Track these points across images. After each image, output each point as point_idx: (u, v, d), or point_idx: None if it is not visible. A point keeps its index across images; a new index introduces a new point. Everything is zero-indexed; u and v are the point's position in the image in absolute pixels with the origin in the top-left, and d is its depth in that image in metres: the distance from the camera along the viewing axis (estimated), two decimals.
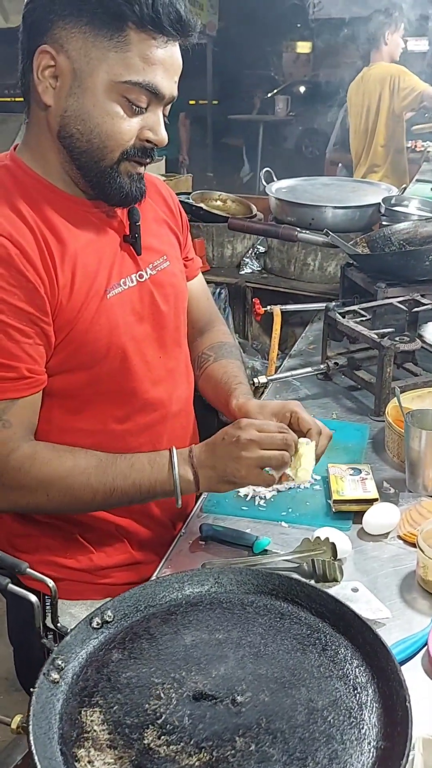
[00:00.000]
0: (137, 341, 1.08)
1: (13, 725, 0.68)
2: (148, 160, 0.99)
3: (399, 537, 1.21)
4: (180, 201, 2.80)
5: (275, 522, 1.28)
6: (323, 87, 6.38)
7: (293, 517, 1.29)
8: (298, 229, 2.10)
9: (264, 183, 2.65)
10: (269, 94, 8.36)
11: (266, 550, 1.17)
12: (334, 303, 1.78)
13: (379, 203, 2.39)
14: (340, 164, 4.32)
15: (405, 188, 2.93)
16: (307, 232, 2.14)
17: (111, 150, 0.95)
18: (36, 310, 0.95)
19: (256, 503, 1.34)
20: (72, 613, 1.13)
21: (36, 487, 0.98)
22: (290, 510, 1.31)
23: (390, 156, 3.69)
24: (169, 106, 1.01)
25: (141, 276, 1.09)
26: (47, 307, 0.96)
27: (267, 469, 1.00)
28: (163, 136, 0.97)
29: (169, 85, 0.96)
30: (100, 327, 1.01)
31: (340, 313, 1.72)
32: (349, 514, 1.28)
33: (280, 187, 2.67)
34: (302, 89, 8.45)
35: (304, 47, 8.91)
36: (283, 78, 8.87)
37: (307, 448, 1.06)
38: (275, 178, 2.69)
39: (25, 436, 0.99)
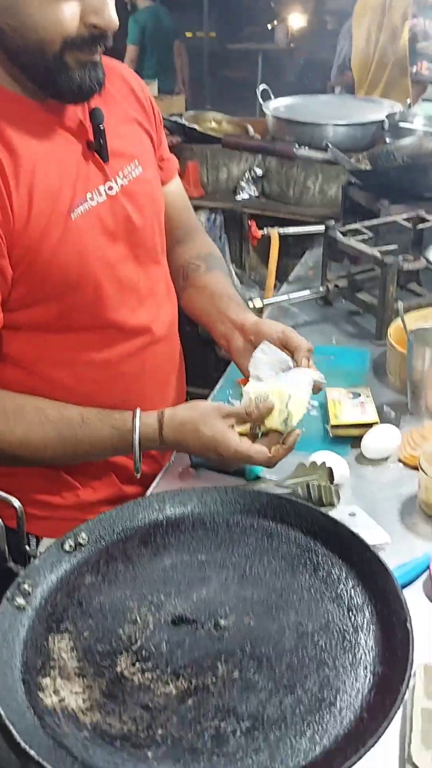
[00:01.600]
0: (111, 265, 0.96)
1: None
2: (100, 49, 0.85)
3: (399, 460, 1.14)
4: (173, 121, 2.63)
5: None
6: (325, 15, 6.02)
7: None
8: (297, 145, 1.98)
9: (260, 101, 2.50)
10: (269, 26, 7.97)
11: (259, 477, 1.10)
12: (334, 221, 1.67)
13: (383, 120, 2.25)
14: (338, 87, 4.09)
15: (410, 104, 2.77)
16: (306, 148, 2.01)
17: (50, 41, 0.81)
18: None
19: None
20: None
21: None
22: None
23: (395, 76, 3.49)
24: None
25: (110, 188, 0.95)
26: (1, 246, 0.83)
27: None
28: (110, 18, 0.83)
29: None
30: (66, 254, 0.88)
31: (341, 232, 1.61)
32: (348, 439, 1.21)
33: (277, 106, 2.51)
34: (303, 18, 8.03)
35: None
36: (283, 7, 8.44)
37: (296, 400, 0.96)
38: (272, 96, 2.53)
39: None
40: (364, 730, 0.49)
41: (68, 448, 0.89)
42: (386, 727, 0.49)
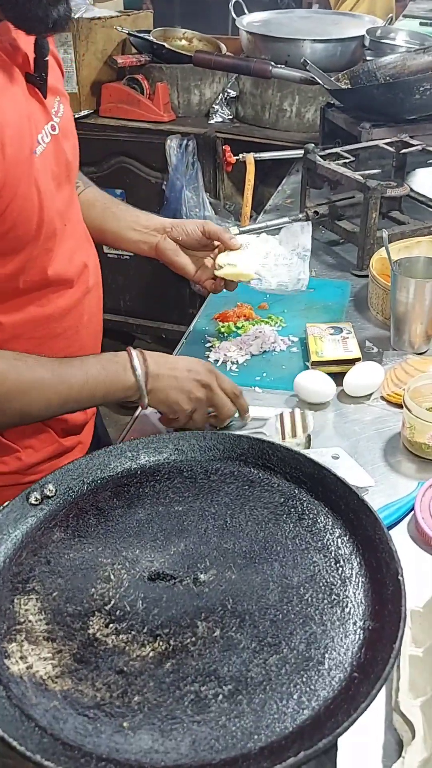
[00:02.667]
0: (61, 213, 0.90)
1: None
2: None
3: (382, 398, 1.10)
4: (140, 38, 2.46)
5: (249, 387, 1.16)
6: None
7: (268, 381, 1.18)
8: (273, 63, 1.85)
9: (234, 16, 2.33)
10: None
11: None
12: (314, 145, 1.58)
13: (363, 35, 2.12)
14: (316, 5, 3.86)
15: (391, 19, 2.61)
16: (283, 67, 1.89)
17: None
18: None
19: (228, 369, 1.22)
20: None
21: None
22: (265, 374, 1.20)
23: None
24: None
25: (53, 128, 0.87)
26: None
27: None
28: None
29: None
30: (31, 201, 0.82)
31: (321, 156, 1.52)
32: (329, 375, 1.17)
33: (251, 21, 2.35)
34: None
35: None
36: None
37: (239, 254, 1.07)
38: (246, 11, 2.36)
39: None
40: (356, 691, 0.46)
41: (63, 386, 0.84)
42: (380, 688, 0.46)
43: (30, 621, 0.54)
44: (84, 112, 2.40)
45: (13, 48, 0.80)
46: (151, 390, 0.85)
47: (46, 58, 0.82)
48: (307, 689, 0.48)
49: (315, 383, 1.04)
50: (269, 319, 1.35)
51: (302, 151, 1.61)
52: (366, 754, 0.60)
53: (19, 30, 0.79)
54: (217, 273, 1.06)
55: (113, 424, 2.97)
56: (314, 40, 2.15)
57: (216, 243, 1.09)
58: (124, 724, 0.46)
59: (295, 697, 0.47)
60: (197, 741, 0.45)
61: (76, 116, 2.35)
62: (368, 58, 2.06)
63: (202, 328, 1.33)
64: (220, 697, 0.48)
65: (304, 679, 0.48)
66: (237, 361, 1.23)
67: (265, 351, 1.27)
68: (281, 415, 1.06)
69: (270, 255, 1.15)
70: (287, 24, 2.36)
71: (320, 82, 1.75)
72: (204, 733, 0.45)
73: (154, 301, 2.60)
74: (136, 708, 0.47)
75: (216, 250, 1.09)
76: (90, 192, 1.11)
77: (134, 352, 0.86)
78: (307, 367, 1.19)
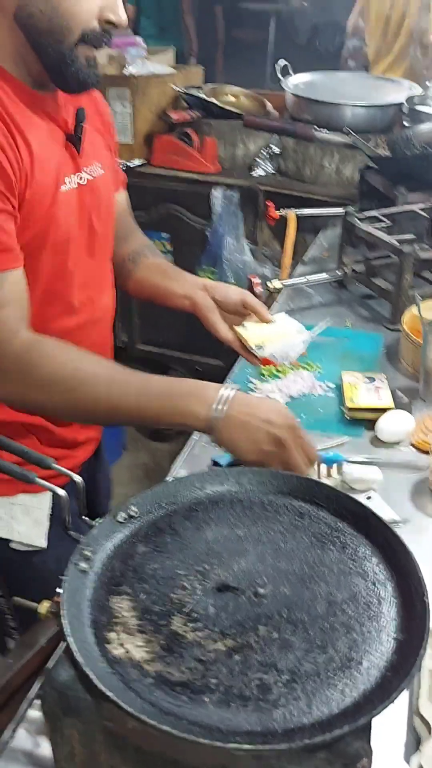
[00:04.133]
0: (75, 243, 1.07)
1: (41, 610, 0.70)
2: (105, 45, 0.97)
3: (412, 444, 1.22)
4: (192, 95, 2.65)
5: None
6: None
7: (307, 422, 1.31)
8: (316, 127, 2.02)
9: (280, 77, 2.52)
10: None
11: None
12: (352, 207, 1.72)
13: (402, 103, 2.28)
14: (352, 62, 4.04)
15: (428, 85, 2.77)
16: (326, 131, 2.05)
17: (72, 30, 0.92)
18: (5, 187, 0.92)
19: None
20: None
21: (40, 382, 0.93)
22: (303, 416, 1.33)
23: (413, 51, 3.47)
24: None
25: (81, 178, 1.07)
26: (14, 188, 0.93)
27: None
28: (123, 16, 0.95)
29: None
30: (57, 216, 1.00)
31: (358, 218, 1.67)
32: (362, 421, 1.29)
33: (296, 83, 2.53)
34: None
35: None
36: None
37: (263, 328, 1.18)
38: (292, 72, 2.55)
39: (23, 318, 0.95)
40: (388, 685, 0.59)
41: (117, 389, 0.95)
42: (407, 684, 0.58)
43: (124, 616, 0.67)
44: (137, 162, 2.59)
45: (56, 114, 1.03)
46: (218, 429, 0.89)
47: (83, 124, 1.04)
48: (349, 682, 0.60)
49: (363, 470, 1.11)
50: (308, 365, 1.49)
51: (341, 210, 1.76)
52: (390, 748, 0.72)
53: (60, 93, 1.01)
54: (235, 327, 1.17)
55: (143, 449, 3.11)
56: (355, 105, 2.32)
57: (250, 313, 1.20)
58: (206, 699, 0.59)
59: (339, 688, 0.60)
60: (263, 715, 0.57)
61: (130, 165, 2.54)
62: (406, 123, 2.22)
63: (245, 369, 1.47)
64: (279, 684, 0.60)
65: (347, 675, 0.61)
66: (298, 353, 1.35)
67: (303, 394, 1.40)
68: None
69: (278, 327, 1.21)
70: (330, 86, 2.55)
71: (360, 148, 1.91)
72: (268, 710, 0.58)
73: (191, 334, 2.77)
74: (213, 688, 0.60)
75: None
76: (154, 260, 1.29)
77: (223, 391, 0.90)
78: (342, 412, 1.32)
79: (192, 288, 1.19)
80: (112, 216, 1.19)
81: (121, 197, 1.31)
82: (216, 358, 2.63)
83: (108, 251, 1.20)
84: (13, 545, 1.14)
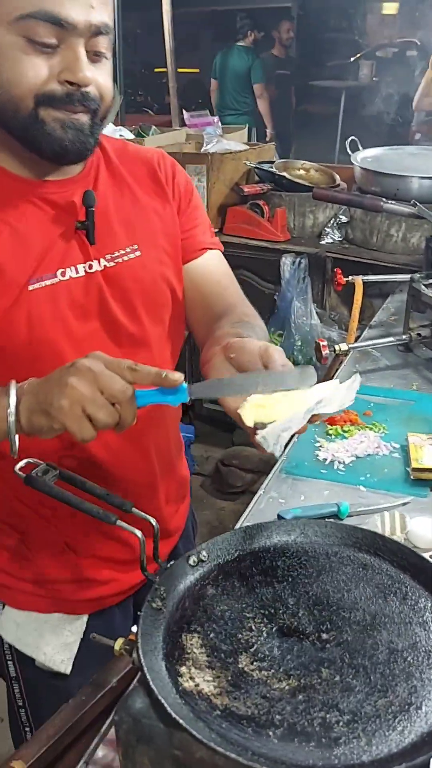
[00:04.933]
0: (77, 340, 0.96)
1: (116, 647, 0.76)
2: (80, 108, 0.87)
3: None
4: (264, 170, 2.80)
5: (354, 486, 1.33)
6: (410, 50, 6.13)
7: (372, 482, 1.34)
8: (384, 199, 2.10)
9: (349, 152, 2.64)
10: (352, 59, 8.09)
11: (350, 515, 1.22)
12: (419, 274, 1.78)
13: None
14: (419, 134, 4.17)
15: None
16: (393, 202, 2.13)
17: (21, 98, 0.84)
18: None
19: (335, 467, 1.39)
20: (18, 623, 1.11)
21: None
22: (369, 475, 1.36)
23: None
24: (104, 39, 0.87)
25: (90, 266, 0.97)
26: None
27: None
28: (81, 75, 0.84)
29: (80, 11, 0.82)
30: (17, 321, 0.92)
31: (425, 285, 1.72)
32: (428, 482, 1.31)
33: (365, 157, 2.65)
34: (388, 52, 8.10)
35: (390, 8, 8.54)
36: (367, 41, 8.54)
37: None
38: (360, 147, 2.67)
39: None
40: None
41: None
42: None
43: (194, 652, 0.71)
44: None
45: (60, 197, 0.95)
46: (21, 407, 0.78)
47: (92, 209, 0.95)
48: (408, 725, 0.62)
49: (427, 529, 1.10)
50: (373, 425, 1.52)
51: (407, 276, 1.82)
52: None
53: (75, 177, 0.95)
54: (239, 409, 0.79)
55: (209, 507, 3.15)
56: (422, 177, 2.40)
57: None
58: (270, 733, 0.62)
59: (398, 729, 0.62)
60: (324, 752, 0.60)
61: None
62: None
63: (311, 428, 1.51)
64: (341, 723, 0.63)
65: (406, 717, 0.63)
66: (344, 461, 1.39)
67: (368, 454, 1.43)
68: (382, 515, 1.20)
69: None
70: (397, 160, 2.65)
71: (427, 218, 1.97)
72: (329, 747, 0.61)
73: None
74: (278, 723, 0.63)
75: None
76: (226, 329, 0.99)
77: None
78: (407, 473, 1.34)
79: (215, 352, 0.89)
80: (155, 301, 1.05)
81: (205, 263, 1.13)
82: None
83: (148, 341, 1.04)
84: (37, 664, 1.11)
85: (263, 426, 0.78)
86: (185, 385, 0.80)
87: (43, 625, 1.11)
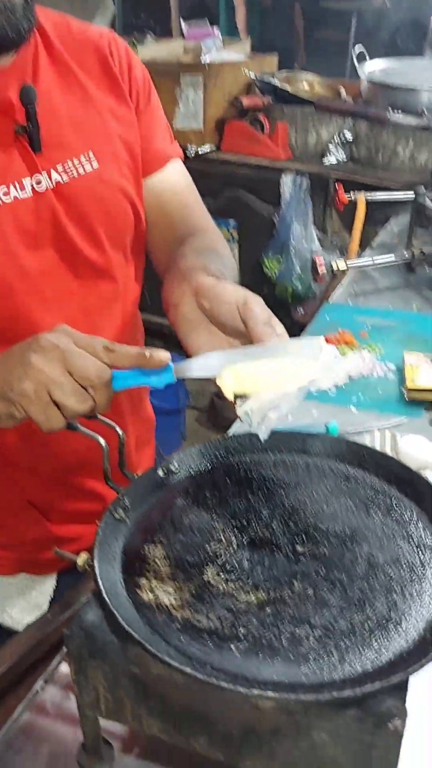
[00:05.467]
0: (28, 274, 0.83)
1: (80, 562, 0.70)
2: None
3: None
4: (265, 82, 2.63)
5: (344, 407, 1.26)
6: None
7: (364, 402, 1.27)
8: (390, 110, 1.96)
9: (355, 63, 2.47)
10: None
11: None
12: (424, 188, 1.67)
13: None
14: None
15: None
16: (400, 113, 1.99)
17: None
18: None
19: (327, 389, 1.31)
20: None
21: None
22: (361, 396, 1.29)
23: None
24: None
25: (39, 182, 0.82)
26: None
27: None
28: None
29: None
30: None
31: (430, 198, 1.61)
32: (422, 403, 1.24)
33: (372, 69, 2.48)
34: None
35: None
36: None
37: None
38: (368, 57, 2.49)
39: None
40: (427, 646, 0.55)
41: None
42: None
43: (157, 564, 0.66)
44: (207, 148, 2.59)
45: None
46: None
47: (33, 108, 0.79)
48: (386, 642, 0.57)
49: (419, 449, 1.03)
50: (369, 346, 1.44)
51: (412, 194, 1.70)
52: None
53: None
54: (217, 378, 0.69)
55: (203, 439, 3.10)
56: None
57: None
58: (232, 647, 0.57)
59: (375, 646, 0.56)
60: (291, 668, 0.55)
61: (200, 151, 2.54)
62: None
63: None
64: (311, 638, 0.57)
65: (384, 634, 0.57)
66: (336, 384, 1.32)
67: (363, 375, 1.36)
68: (372, 434, 1.14)
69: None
70: (407, 72, 2.48)
71: None
72: (297, 663, 0.55)
73: None
74: (242, 638, 0.58)
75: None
76: (189, 261, 0.84)
77: None
78: (402, 393, 1.27)
79: (183, 293, 0.76)
80: (117, 223, 0.91)
81: (169, 178, 0.98)
82: None
83: (112, 272, 0.91)
84: (4, 627, 1.03)
85: (246, 399, 0.69)
86: (172, 364, 0.69)
87: (8, 587, 1.05)
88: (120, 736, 0.69)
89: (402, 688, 0.53)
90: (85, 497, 1.04)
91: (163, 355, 0.67)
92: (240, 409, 0.68)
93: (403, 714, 0.51)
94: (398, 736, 0.51)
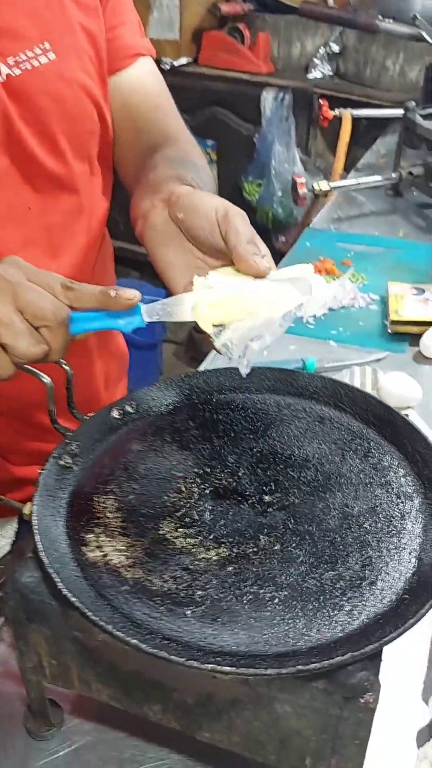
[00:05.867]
0: None
1: (26, 511, 0.63)
2: None
3: None
4: None
5: (323, 341, 1.18)
6: None
7: (344, 336, 1.20)
8: (381, 17, 1.81)
9: None
10: None
11: None
12: (414, 103, 1.54)
13: None
14: None
15: None
16: (391, 21, 1.84)
17: None
18: None
19: (304, 320, 1.23)
20: None
21: None
22: (341, 329, 1.21)
23: None
24: None
25: None
26: None
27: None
28: None
29: None
30: None
31: (421, 115, 1.49)
32: (406, 336, 1.17)
33: None
34: None
35: None
36: None
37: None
38: None
39: None
40: (405, 610, 0.49)
41: None
42: (428, 609, 0.48)
43: (107, 517, 0.59)
44: (183, 60, 2.41)
45: None
46: None
47: None
48: (359, 604, 0.51)
49: (401, 385, 0.96)
50: (351, 275, 1.35)
51: (402, 111, 1.58)
52: (406, 685, 0.63)
53: None
54: (195, 278, 0.62)
55: (181, 374, 3.02)
56: None
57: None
58: (187, 613, 0.50)
59: (346, 609, 0.50)
60: (252, 634, 0.49)
61: (176, 64, 2.36)
62: None
63: None
64: (276, 600, 0.51)
65: (357, 595, 0.51)
66: (314, 315, 1.24)
67: (343, 306, 1.28)
68: (352, 371, 1.07)
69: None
70: None
71: (428, 39, 1.70)
72: (259, 628, 0.49)
73: None
74: (199, 600, 0.51)
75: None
76: (159, 171, 0.74)
77: None
78: (385, 325, 1.19)
79: (154, 203, 0.67)
80: (79, 126, 0.80)
81: (137, 76, 0.87)
82: None
83: (74, 184, 0.81)
84: None
85: (224, 329, 0.60)
86: (141, 305, 0.60)
87: None
88: (70, 697, 0.64)
89: (376, 659, 0.47)
90: (47, 436, 0.96)
91: (131, 294, 0.58)
92: (218, 341, 0.61)
93: (376, 687, 0.46)
94: (370, 711, 0.45)
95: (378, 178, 1.50)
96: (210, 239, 0.62)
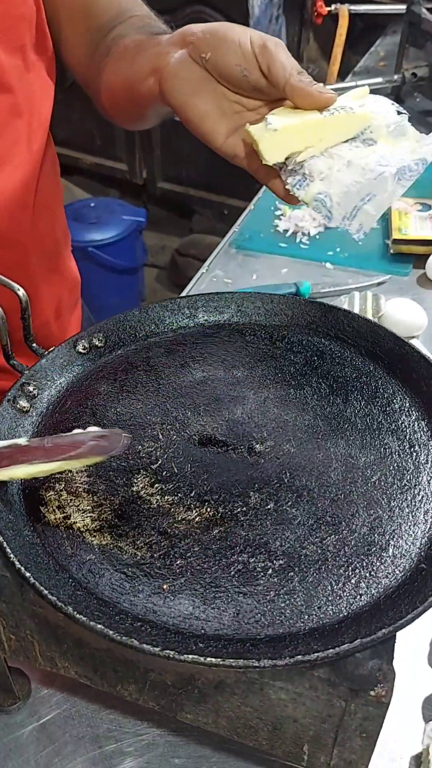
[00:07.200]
0: None
1: None
2: None
3: None
4: None
5: (319, 263, 1.08)
6: None
7: (341, 258, 1.09)
8: None
9: None
10: None
11: None
12: None
13: None
14: None
15: None
16: None
17: None
18: None
19: (297, 240, 1.13)
20: None
21: None
22: (338, 250, 1.11)
23: None
24: None
25: None
26: None
27: None
28: None
29: None
30: None
31: (427, 9, 1.34)
32: (410, 257, 1.07)
33: None
34: None
35: None
36: None
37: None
38: None
39: None
40: (422, 583, 0.41)
41: None
42: None
43: (70, 471, 0.50)
44: None
45: None
46: None
47: None
48: (367, 575, 0.43)
49: (406, 312, 0.88)
50: None
51: (404, 6, 1.42)
52: (424, 666, 0.57)
53: None
54: (248, 126, 0.53)
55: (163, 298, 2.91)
56: None
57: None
58: (164, 586, 0.42)
59: (352, 581, 0.43)
60: (241, 613, 0.41)
61: None
62: None
63: (273, 195, 1.23)
64: (270, 571, 0.43)
65: (364, 564, 0.43)
66: (309, 233, 1.13)
67: (337, 227, 1.16)
68: (351, 297, 0.97)
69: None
70: None
71: None
72: (250, 605, 0.41)
73: (219, 172, 2.45)
74: (178, 571, 0.43)
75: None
76: (135, 37, 0.66)
77: None
78: (386, 246, 1.09)
79: (162, 52, 0.58)
80: (17, 8, 0.66)
81: None
82: (247, 200, 2.35)
83: (8, 78, 0.67)
84: None
85: (296, 167, 0.50)
86: None
87: None
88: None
89: (389, 644, 0.39)
90: (5, 374, 0.86)
91: None
92: (302, 192, 0.50)
93: (390, 678, 0.38)
94: (383, 705, 0.38)
95: (379, 80, 1.36)
96: (247, 77, 0.53)
